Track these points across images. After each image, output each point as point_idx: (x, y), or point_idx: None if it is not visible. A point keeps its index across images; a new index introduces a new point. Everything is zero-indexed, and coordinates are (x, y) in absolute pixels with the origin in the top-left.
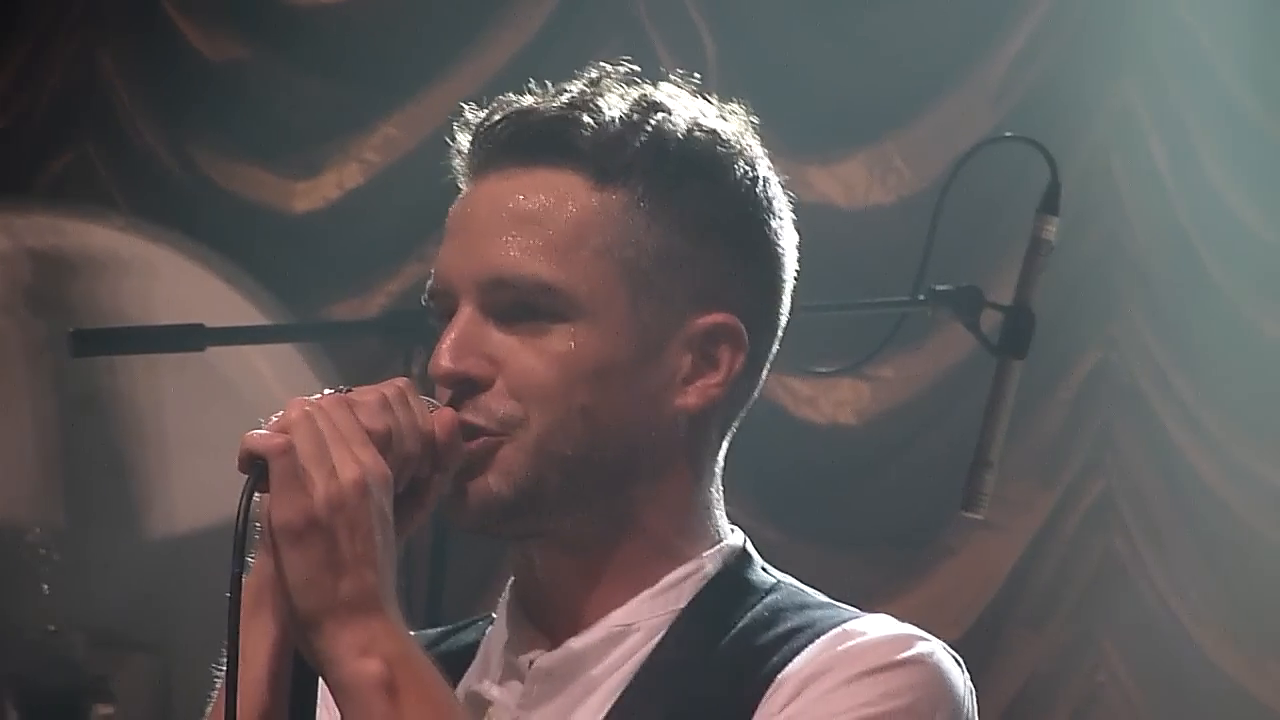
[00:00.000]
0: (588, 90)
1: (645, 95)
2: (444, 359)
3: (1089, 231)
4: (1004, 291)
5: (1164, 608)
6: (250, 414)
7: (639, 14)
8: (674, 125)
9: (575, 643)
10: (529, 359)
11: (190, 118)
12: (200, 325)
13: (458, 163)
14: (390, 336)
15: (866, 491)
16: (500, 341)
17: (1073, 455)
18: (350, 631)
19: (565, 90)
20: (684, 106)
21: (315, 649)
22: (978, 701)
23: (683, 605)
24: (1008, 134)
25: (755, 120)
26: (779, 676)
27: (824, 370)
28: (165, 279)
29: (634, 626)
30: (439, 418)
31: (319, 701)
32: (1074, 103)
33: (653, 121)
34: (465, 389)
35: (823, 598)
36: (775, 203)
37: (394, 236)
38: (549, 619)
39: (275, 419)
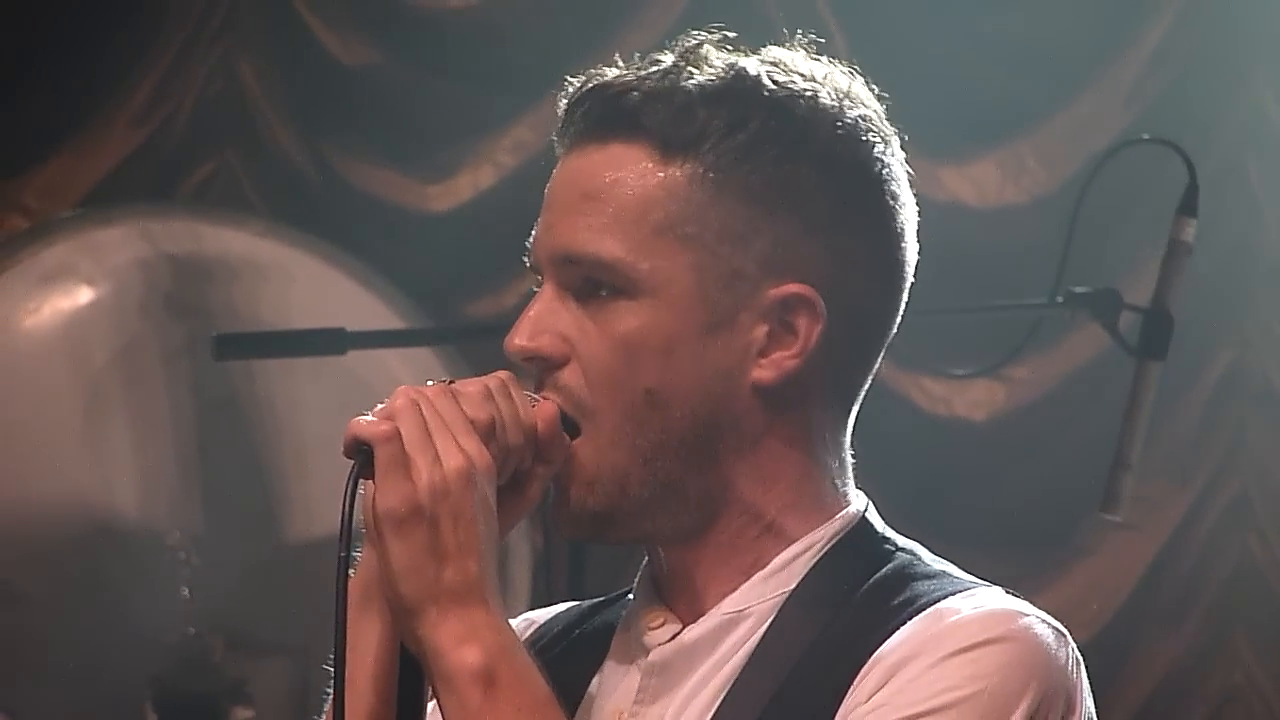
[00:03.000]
0: (672, 61)
1: (732, 64)
2: (517, 336)
3: (1223, 232)
4: (1138, 292)
5: None
6: None
7: (770, 14)
8: (750, 94)
9: (689, 634)
10: (596, 341)
11: (327, 123)
12: (342, 329)
13: (554, 137)
14: None
15: (1001, 491)
16: (574, 319)
17: (1207, 455)
18: (451, 620)
19: (653, 61)
20: (773, 72)
21: (417, 637)
22: (1111, 700)
23: (791, 587)
24: (1145, 136)
25: (876, 90)
26: (872, 658)
27: (960, 373)
28: (302, 283)
29: (745, 613)
30: (541, 410)
31: (424, 703)
32: (1207, 102)
33: (728, 90)
34: (540, 366)
35: (937, 566)
36: (870, 169)
37: (528, 236)
38: (675, 601)
39: (381, 407)
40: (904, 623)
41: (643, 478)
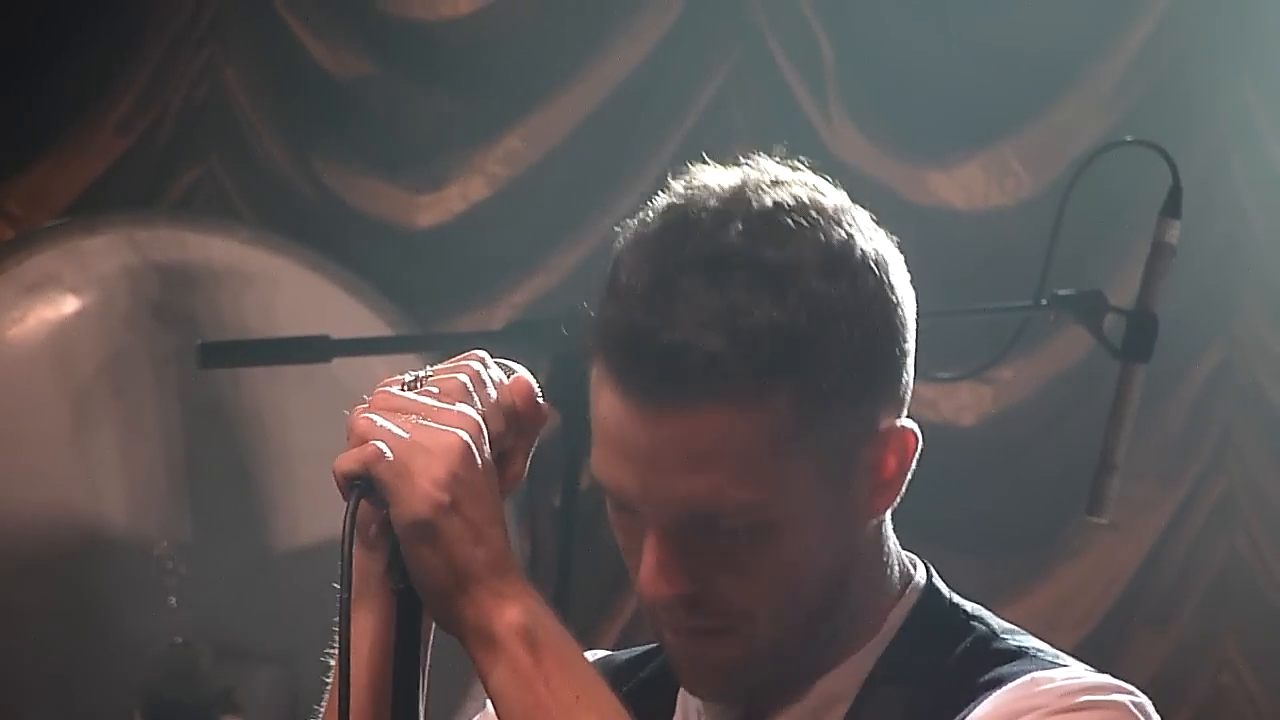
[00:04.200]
0: (727, 292)
1: (771, 281)
2: (652, 588)
3: (1208, 233)
4: (1124, 294)
5: None
6: None
7: (759, 23)
8: (819, 311)
9: (782, 714)
10: (744, 573)
11: (315, 132)
12: (326, 336)
13: (592, 331)
14: (514, 348)
15: (988, 493)
16: (707, 557)
17: (1195, 455)
18: (491, 589)
19: (685, 290)
20: (797, 269)
21: (461, 617)
22: None
23: (872, 666)
24: (1129, 138)
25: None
26: None
27: (946, 376)
28: (289, 292)
29: (834, 693)
30: (517, 386)
31: (419, 708)
32: (1191, 104)
33: (798, 319)
34: (682, 605)
35: (1013, 641)
36: (892, 283)
37: (518, 248)
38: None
39: (351, 439)
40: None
41: (801, 639)
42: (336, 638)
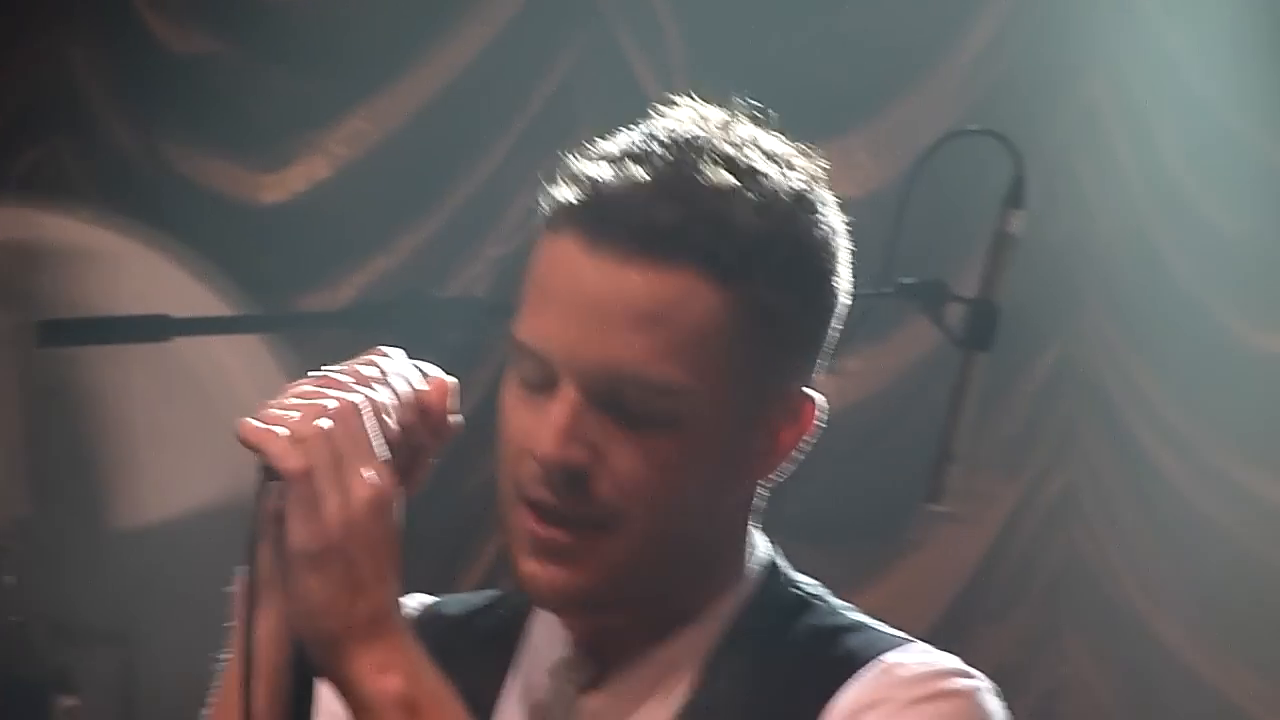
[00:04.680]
0: (712, 175)
1: (751, 181)
2: (552, 445)
3: (1053, 226)
4: (969, 285)
5: (1126, 601)
6: (215, 408)
7: (607, 10)
8: (790, 222)
9: (621, 684)
10: (636, 459)
11: (159, 112)
12: (165, 316)
13: (550, 205)
14: (357, 328)
15: (832, 484)
16: (607, 433)
17: (1037, 449)
18: (369, 650)
19: (668, 163)
20: (782, 178)
21: (334, 669)
22: None
23: (716, 638)
24: (972, 127)
25: (824, 164)
26: (826, 711)
27: None
28: (132, 272)
29: (677, 661)
30: (434, 386)
31: (315, 700)
32: (1039, 98)
33: (774, 219)
34: (566, 478)
35: (854, 616)
36: (842, 246)
37: (361, 229)
38: (595, 647)
39: (284, 414)
40: (847, 676)
41: (648, 576)
42: (235, 630)
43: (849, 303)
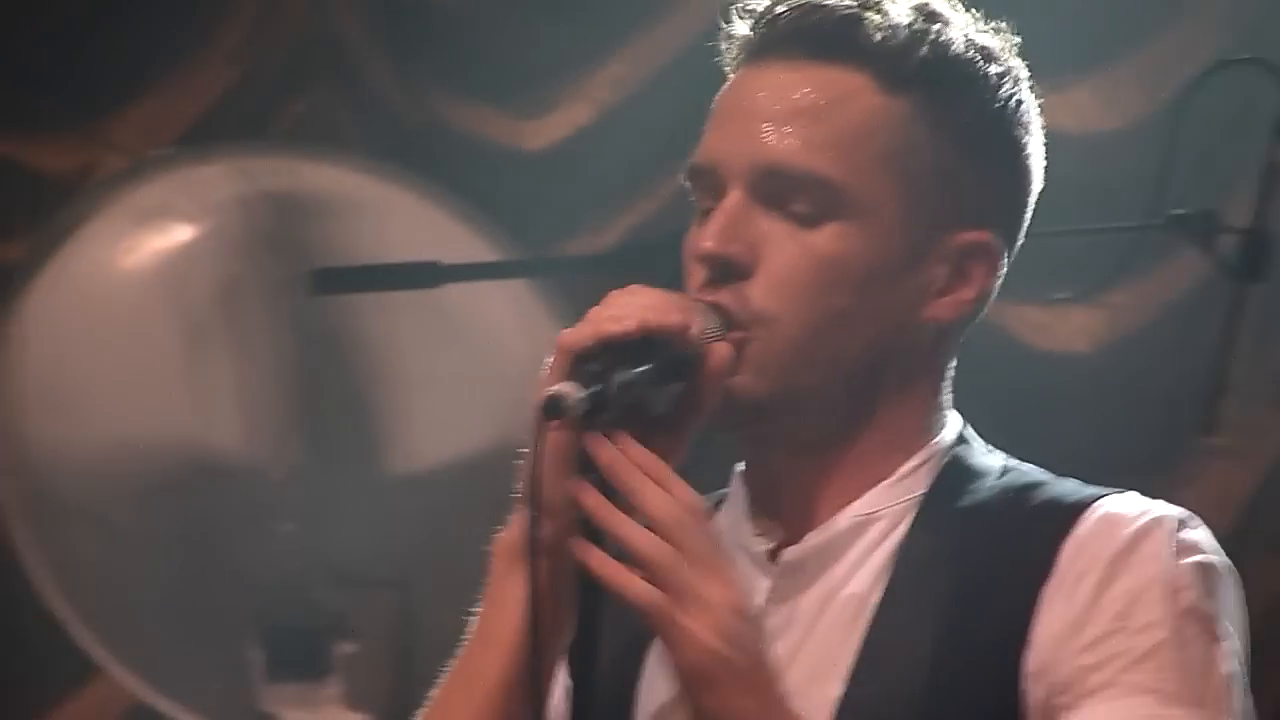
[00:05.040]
0: (901, 6)
1: (926, 4)
2: (709, 240)
3: None
4: (1240, 216)
5: None
6: (484, 354)
7: None
8: (953, 38)
9: (816, 536)
10: (794, 254)
11: (421, 59)
12: (435, 262)
13: (729, 50)
14: (624, 271)
15: (1102, 419)
16: (768, 230)
17: None
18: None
19: None
20: (960, 19)
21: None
22: None
23: (921, 491)
24: (1241, 55)
25: (1017, 39)
26: (1058, 562)
27: (1060, 296)
28: (399, 220)
29: (876, 515)
30: (715, 351)
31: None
32: None
33: (936, 32)
34: (726, 272)
35: (1049, 474)
36: (1034, 123)
37: (626, 173)
38: (784, 511)
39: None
40: (1065, 523)
41: (809, 387)
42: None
43: (1040, 187)
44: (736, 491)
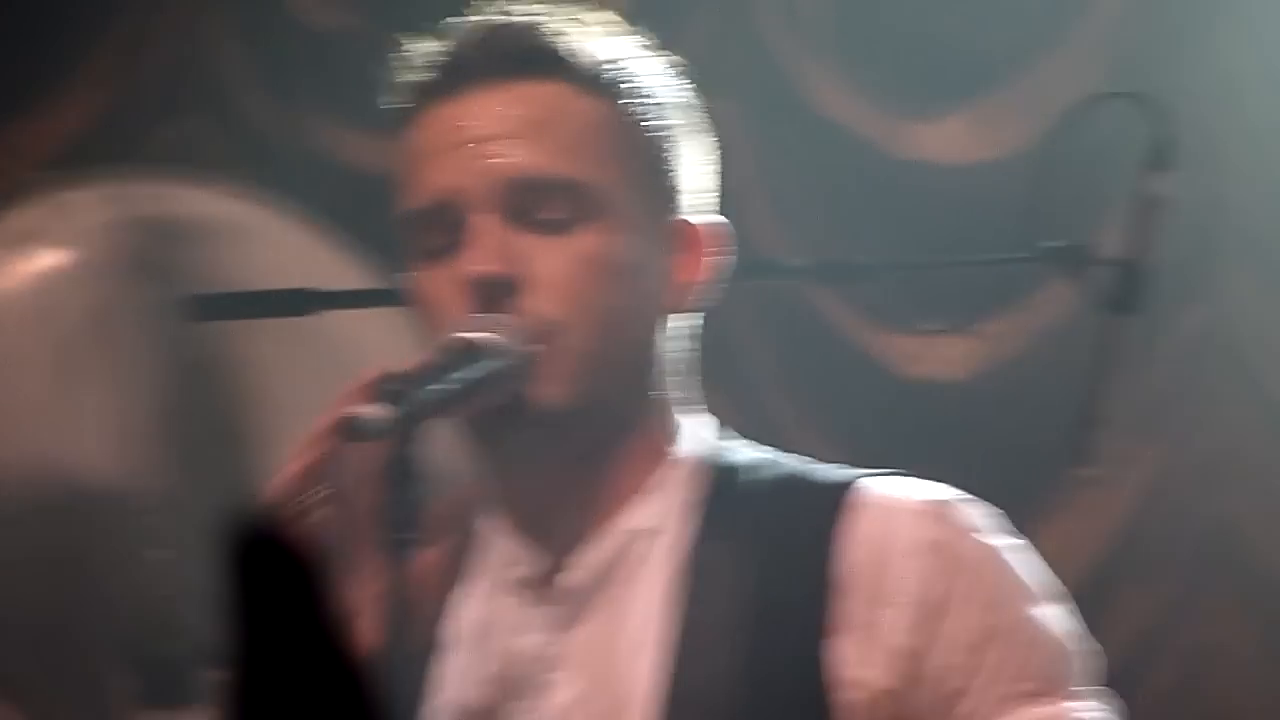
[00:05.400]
0: (538, 13)
1: (581, 17)
2: (477, 263)
3: (1194, 187)
4: (1113, 248)
5: (1272, 566)
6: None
7: None
8: (621, 42)
9: (593, 555)
10: (561, 261)
11: (296, 85)
12: (306, 289)
13: (401, 96)
14: None
15: (974, 448)
16: (526, 245)
17: (1180, 411)
18: None
19: (505, 14)
20: (607, 23)
21: None
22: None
23: (694, 496)
24: (1113, 90)
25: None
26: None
27: (933, 327)
28: (274, 246)
29: (653, 529)
30: (519, 361)
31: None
32: (1179, 58)
33: (615, 40)
34: (500, 292)
35: (805, 462)
36: (698, 112)
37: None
38: (554, 531)
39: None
40: (835, 506)
41: (606, 391)
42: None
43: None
44: (491, 520)
